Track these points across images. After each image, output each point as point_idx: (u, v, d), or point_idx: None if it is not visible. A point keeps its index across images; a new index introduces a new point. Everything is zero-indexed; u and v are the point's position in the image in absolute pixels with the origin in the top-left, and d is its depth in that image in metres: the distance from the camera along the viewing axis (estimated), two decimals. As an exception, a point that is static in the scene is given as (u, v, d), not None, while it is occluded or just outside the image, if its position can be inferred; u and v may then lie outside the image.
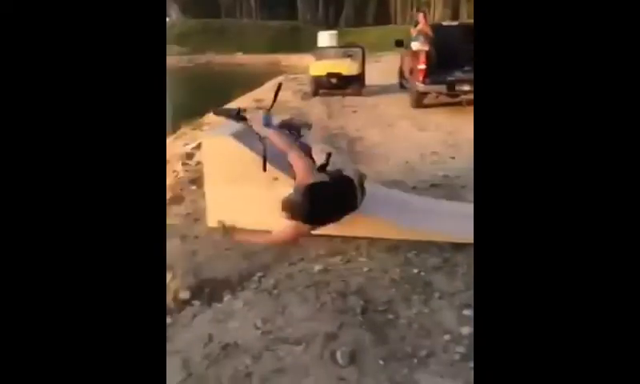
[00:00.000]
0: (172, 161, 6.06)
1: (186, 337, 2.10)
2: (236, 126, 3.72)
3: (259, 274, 2.66)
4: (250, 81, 18.50)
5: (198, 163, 5.33)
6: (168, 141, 8.90)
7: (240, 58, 37.89)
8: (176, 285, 2.59)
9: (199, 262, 2.87)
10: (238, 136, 3.47)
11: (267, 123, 3.25)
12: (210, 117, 9.99)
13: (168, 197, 4.44)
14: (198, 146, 6.19)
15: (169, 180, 5.13)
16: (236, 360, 1.88)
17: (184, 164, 5.52)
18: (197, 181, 4.74)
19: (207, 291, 2.55)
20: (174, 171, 5.38)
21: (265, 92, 13.65)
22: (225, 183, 3.44)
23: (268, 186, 3.34)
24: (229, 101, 12.73)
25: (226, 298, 2.47)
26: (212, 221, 3.54)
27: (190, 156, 5.80)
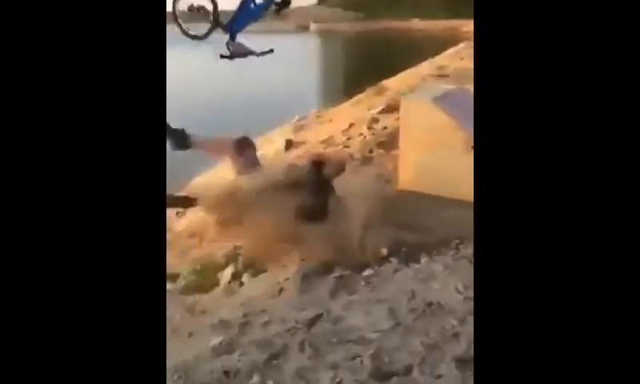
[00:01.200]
0: (357, 124, 6.30)
1: (390, 289, 2.21)
2: (436, 90, 3.67)
3: (456, 241, 2.65)
4: (427, 47, 18.06)
5: (385, 128, 5.45)
6: (346, 106, 9.27)
7: (416, 23, 37.10)
8: (374, 240, 2.73)
9: (394, 222, 2.96)
10: (438, 101, 3.44)
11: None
12: (389, 82, 10.11)
13: (357, 158, 4.65)
14: (383, 111, 6.32)
15: (356, 142, 5.36)
16: (441, 319, 1.92)
17: (369, 128, 5.68)
18: (383, 144, 4.87)
19: (404, 250, 2.63)
20: (361, 134, 5.58)
21: (446, 58, 13.23)
22: (419, 147, 3.46)
23: (463, 154, 3.27)
24: (406, 67, 12.64)
25: (423, 259, 2.52)
26: (403, 184, 3.62)
27: (375, 120, 5.94)
